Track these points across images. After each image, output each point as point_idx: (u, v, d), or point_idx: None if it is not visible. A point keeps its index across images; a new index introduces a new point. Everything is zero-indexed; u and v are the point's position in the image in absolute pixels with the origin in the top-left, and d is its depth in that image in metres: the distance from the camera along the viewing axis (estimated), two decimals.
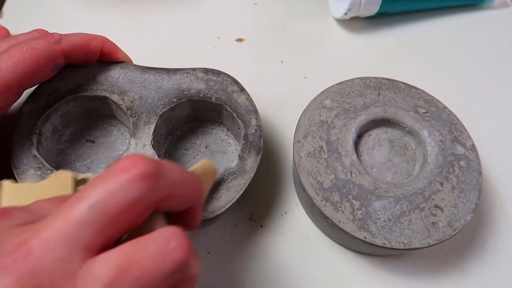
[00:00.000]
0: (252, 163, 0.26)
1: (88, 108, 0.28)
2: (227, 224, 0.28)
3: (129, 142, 0.25)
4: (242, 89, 0.28)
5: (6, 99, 0.22)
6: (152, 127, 0.26)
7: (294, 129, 0.28)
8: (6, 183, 0.18)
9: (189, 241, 0.14)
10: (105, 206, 0.13)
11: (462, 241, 0.28)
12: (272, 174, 0.30)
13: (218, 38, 0.38)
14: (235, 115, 0.27)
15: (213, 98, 0.28)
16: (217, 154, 0.29)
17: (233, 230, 0.28)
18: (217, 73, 0.28)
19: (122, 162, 0.14)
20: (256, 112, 0.27)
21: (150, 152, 0.25)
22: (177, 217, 0.17)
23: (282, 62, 0.37)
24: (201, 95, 0.27)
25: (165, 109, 0.27)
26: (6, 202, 0.18)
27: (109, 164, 0.27)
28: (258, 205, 0.29)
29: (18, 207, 0.15)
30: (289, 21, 0.40)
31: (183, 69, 0.28)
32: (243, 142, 0.26)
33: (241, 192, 0.25)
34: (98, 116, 0.29)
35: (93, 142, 0.29)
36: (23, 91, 0.24)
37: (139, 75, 0.28)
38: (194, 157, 0.29)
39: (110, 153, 0.28)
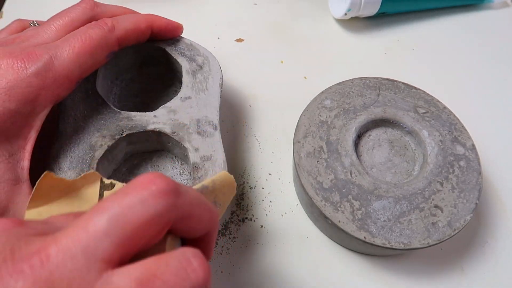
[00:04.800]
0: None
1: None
2: (227, 224, 0.28)
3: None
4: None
5: (66, 89, 0.22)
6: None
7: (294, 129, 0.28)
8: (47, 173, 0.19)
9: (208, 264, 0.14)
10: (125, 219, 0.13)
11: (462, 241, 0.28)
12: (271, 174, 0.30)
13: (218, 38, 0.38)
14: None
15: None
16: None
17: (233, 230, 0.28)
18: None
19: (142, 178, 0.14)
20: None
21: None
22: (191, 245, 0.17)
23: (282, 62, 0.37)
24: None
25: None
26: (38, 191, 0.18)
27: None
28: (258, 205, 0.29)
29: (35, 220, 0.15)
30: (289, 21, 0.40)
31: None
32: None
33: None
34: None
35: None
36: (80, 81, 0.24)
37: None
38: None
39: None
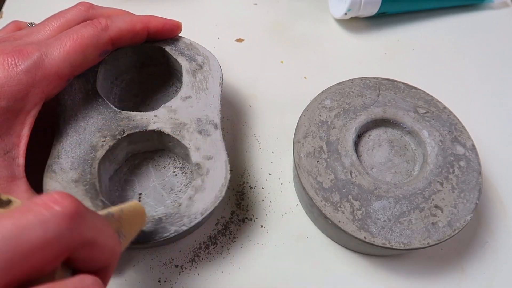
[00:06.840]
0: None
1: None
2: (227, 224, 0.28)
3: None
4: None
5: (57, 87, 0.23)
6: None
7: (294, 129, 0.28)
8: None
9: None
10: (19, 240, 0.11)
11: (462, 241, 0.28)
12: (271, 174, 0.30)
13: (218, 38, 0.38)
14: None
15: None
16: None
17: (233, 230, 0.28)
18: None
19: (46, 197, 0.13)
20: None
21: None
22: None
23: (282, 62, 0.37)
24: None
25: None
26: None
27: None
28: (258, 205, 0.29)
29: None
30: (289, 21, 0.40)
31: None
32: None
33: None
34: None
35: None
36: (72, 78, 0.24)
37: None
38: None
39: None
